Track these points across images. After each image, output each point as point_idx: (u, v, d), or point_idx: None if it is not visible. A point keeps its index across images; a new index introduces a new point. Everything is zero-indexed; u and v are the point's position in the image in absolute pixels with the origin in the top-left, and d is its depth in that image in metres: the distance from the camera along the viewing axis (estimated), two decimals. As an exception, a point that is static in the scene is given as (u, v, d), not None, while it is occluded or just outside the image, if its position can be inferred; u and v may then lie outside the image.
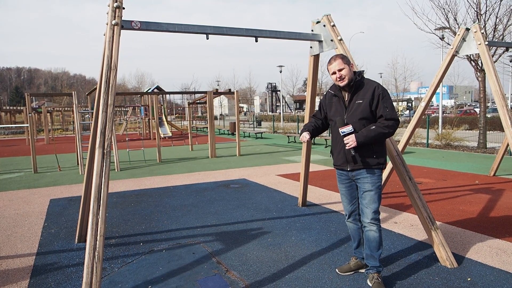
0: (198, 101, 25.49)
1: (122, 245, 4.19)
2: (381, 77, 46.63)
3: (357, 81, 3.01)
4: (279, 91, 43.01)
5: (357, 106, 2.97)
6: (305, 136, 3.14)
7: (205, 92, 15.15)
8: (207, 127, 14.40)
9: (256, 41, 3.90)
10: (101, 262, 2.35)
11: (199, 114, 46.34)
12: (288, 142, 16.67)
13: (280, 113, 39.22)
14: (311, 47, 4.41)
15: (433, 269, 3.30)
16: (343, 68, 2.97)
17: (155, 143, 11.67)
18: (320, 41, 4.16)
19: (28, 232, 4.73)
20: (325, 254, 3.74)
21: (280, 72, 35.55)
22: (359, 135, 2.88)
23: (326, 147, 14.19)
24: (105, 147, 2.67)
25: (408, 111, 37.09)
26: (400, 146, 5.50)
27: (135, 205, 5.97)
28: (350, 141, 2.88)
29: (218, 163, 10.66)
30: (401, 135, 6.25)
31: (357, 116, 2.95)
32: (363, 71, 3.10)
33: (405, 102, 42.49)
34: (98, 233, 2.40)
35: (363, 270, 3.26)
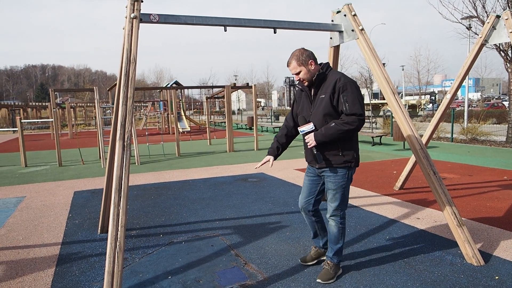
0: (216, 96, 25.58)
1: (142, 236, 4.25)
2: (403, 69, 45.56)
3: (319, 75, 2.86)
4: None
5: (320, 101, 2.85)
6: (264, 160, 3.04)
7: (223, 87, 15.18)
8: (225, 122, 14.44)
9: (275, 32, 3.85)
10: (123, 251, 2.38)
11: (217, 109, 46.53)
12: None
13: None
14: (331, 38, 4.32)
15: (458, 266, 3.20)
16: (300, 71, 2.86)
17: (174, 137, 11.79)
18: (341, 32, 4.07)
19: (54, 223, 4.86)
20: (344, 249, 3.68)
21: (299, 66, 35.19)
22: (318, 134, 2.78)
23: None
24: (125, 139, 2.70)
25: (431, 104, 36.09)
26: (423, 140, 5.35)
27: (155, 197, 6.05)
28: (310, 140, 2.81)
29: (236, 157, 10.68)
30: (425, 130, 6.08)
31: (320, 113, 2.83)
32: (327, 63, 2.96)
33: (428, 96, 41.37)
34: (120, 223, 2.43)
35: (324, 258, 3.27)
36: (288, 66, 2.90)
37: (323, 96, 2.83)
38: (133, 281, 3.14)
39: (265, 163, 3.04)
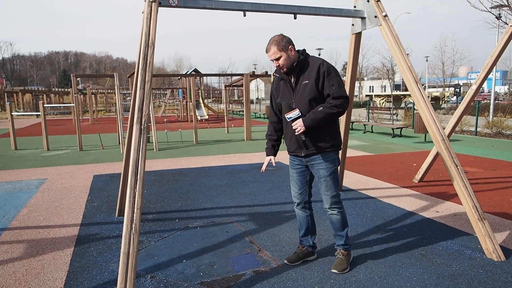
0: (235, 84, 25.54)
1: (159, 220, 4.30)
2: (427, 60, 44.31)
3: (301, 61, 2.83)
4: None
5: (303, 87, 2.80)
6: (266, 162, 3.11)
7: (241, 75, 15.12)
8: (243, 111, 14.42)
9: (295, 18, 3.77)
10: (138, 234, 2.41)
11: (236, 98, 46.52)
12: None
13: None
14: (352, 25, 4.20)
15: (478, 261, 3.11)
16: (280, 57, 2.79)
17: (192, 125, 11.86)
18: (363, 18, 3.96)
19: (74, 205, 4.97)
20: (360, 239, 3.64)
21: (319, 55, 34.75)
22: (306, 119, 2.74)
23: (364, 132, 13.79)
24: (143, 122, 2.71)
25: (455, 97, 34.94)
26: (446, 133, 5.20)
27: (172, 183, 6.11)
28: (298, 126, 2.76)
29: (253, 146, 10.67)
30: (447, 122, 5.90)
31: (305, 98, 2.79)
32: (304, 49, 2.89)
33: (452, 88, 40.18)
34: (135, 206, 2.45)
35: (311, 258, 3.19)
36: (267, 52, 2.84)
37: (307, 81, 2.80)
38: (148, 264, 3.19)
39: (267, 164, 3.12)
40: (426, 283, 2.77)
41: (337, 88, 2.75)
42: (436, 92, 34.19)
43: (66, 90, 45.76)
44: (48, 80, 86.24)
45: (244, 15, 3.73)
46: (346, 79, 4.67)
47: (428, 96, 30.80)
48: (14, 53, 73.99)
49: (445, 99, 32.13)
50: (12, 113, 11.04)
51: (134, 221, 2.40)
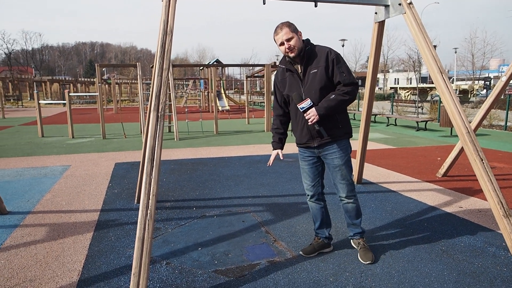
0: (256, 75, 25.44)
1: (176, 208, 4.35)
2: (455, 52, 42.86)
3: (308, 50, 2.77)
4: (340, 67, 41.20)
5: (313, 76, 2.74)
6: (273, 155, 3.05)
7: (263, 65, 15.02)
8: (264, 102, 14.34)
9: (316, 6, 3.68)
10: (153, 220, 2.43)
11: (257, 89, 46.40)
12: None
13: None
14: (376, 13, 4.07)
15: (501, 259, 2.99)
16: (292, 38, 2.72)
17: (213, 115, 11.91)
18: (387, 6, 3.82)
19: (95, 191, 5.09)
20: (378, 233, 3.56)
21: (342, 46, 34.10)
22: (320, 108, 2.69)
23: (387, 125, 13.50)
24: (159, 110, 2.72)
25: (485, 90, 33.51)
26: (472, 125, 5.00)
27: (191, 172, 6.16)
28: (312, 116, 2.70)
29: (274, 137, 10.61)
30: (474, 116, 5.67)
31: (315, 87, 2.74)
32: (309, 39, 2.84)
33: (482, 81, 38.60)
34: (151, 192, 2.47)
35: (327, 250, 3.15)
36: (277, 34, 2.75)
37: (315, 70, 2.75)
38: (164, 250, 3.23)
39: (275, 157, 3.06)
40: (445, 280, 2.69)
41: (347, 75, 2.74)
42: (464, 85, 32.98)
43: (92, 80, 46.83)
44: (75, 70, 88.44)
45: (264, 3, 3.66)
46: (368, 70, 4.55)
47: (456, 89, 29.78)
48: (43, 44, 76.12)
49: (474, 92, 30.96)
50: (40, 102, 11.38)
51: (149, 207, 2.42)
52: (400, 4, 3.60)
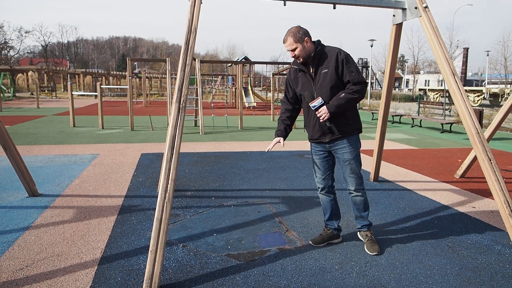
0: (282, 73, 25.51)
1: (196, 197, 4.60)
2: (487, 55, 41.23)
3: (319, 51, 2.93)
4: (369, 67, 40.58)
5: (323, 76, 2.91)
6: (274, 142, 3.11)
7: (289, 63, 15.13)
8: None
9: (334, 8, 3.80)
10: (171, 202, 2.66)
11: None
12: (372, 119, 15.99)
13: (368, 90, 37.30)
14: (393, 16, 4.15)
15: (506, 256, 3.04)
16: (296, 48, 2.91)
17: (238, 111, 12.14)
18: (404, 9, 3.89)
19: (121, 178, 5.42)
20: (388, 227, 3.67)
21: (371, 46, 33.52)
22: (330, 106, 2.86)
23: (412, 126, 13.32)
24: (181, 101, 2.94)
25: (517, 95, 32.03)
26: (491, 126, 4.98)
27: (213, 165, 6.41)
28: (323, 113, 2.88)
29: (296, 134, 10.70)
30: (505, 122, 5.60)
31: (326, 86, 2.90)
32: (319, 40, 2.99)
33: (514, 85, 37.10)
34: (170, 177, 2.70)
35: (336, 241, 3.28)
36: (284, 42, 2.98)
37: (326, 70, 2.92)
38: (182, 234, 3.47)
39: (275, 144, 3.14)
40: (447, 273, 2.78)
41: (357, 74, 2.89)
42: (495, 88, 31.78)
43: (123, 73, 48.30)
44: (108, 63, 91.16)
45: (284, 4, 3.82)
46: (386, 70, 4.63)
47: (486, 93, 28.77)
48: (78, 37, 78.94)
49: (505, 96, 29.78)
50: (73, 93, 11.97)
51: (167, 190, 2.65)
52: (416, 8, 3.68)
